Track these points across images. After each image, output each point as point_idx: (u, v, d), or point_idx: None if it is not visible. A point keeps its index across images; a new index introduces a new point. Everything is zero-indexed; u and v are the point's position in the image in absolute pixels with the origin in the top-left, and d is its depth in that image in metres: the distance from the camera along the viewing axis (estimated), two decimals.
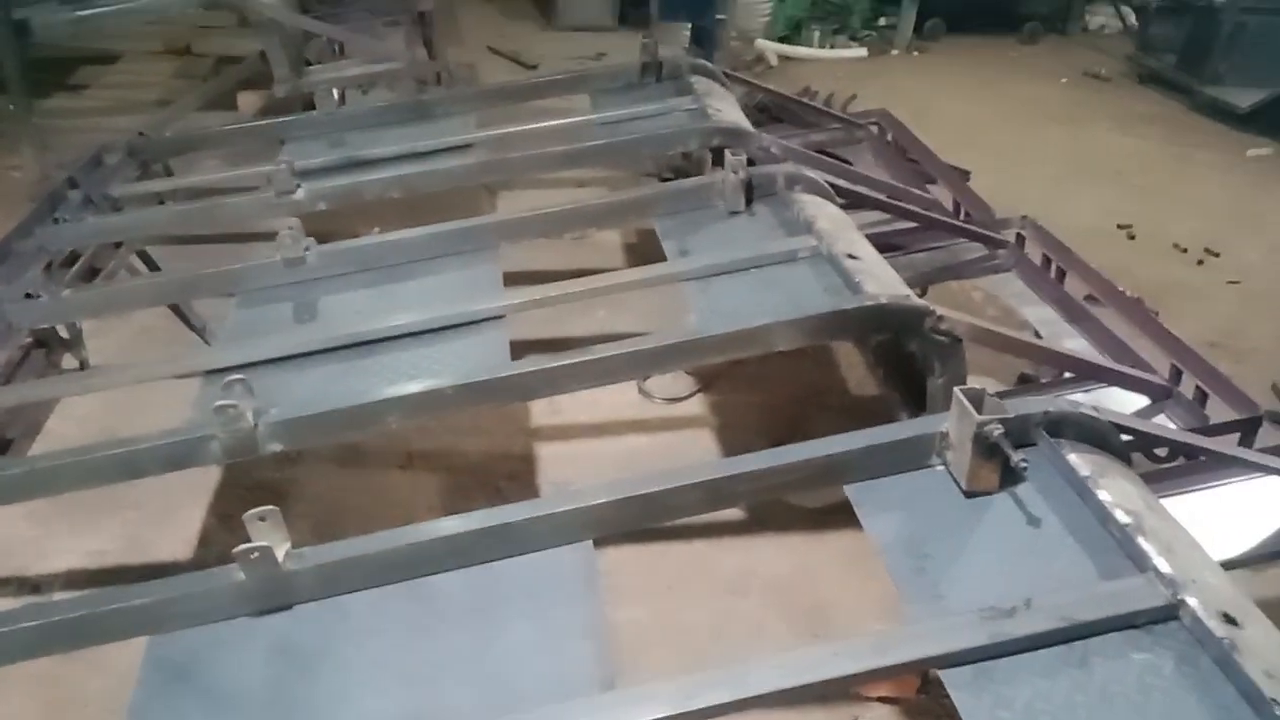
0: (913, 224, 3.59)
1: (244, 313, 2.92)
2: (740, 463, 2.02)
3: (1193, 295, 5.00)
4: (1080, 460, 1.99)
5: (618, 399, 3.66)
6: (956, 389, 1.97)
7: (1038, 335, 3.19)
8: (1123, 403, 2.82)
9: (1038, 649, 1.62)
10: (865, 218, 3.72)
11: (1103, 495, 1.89)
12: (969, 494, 1.97)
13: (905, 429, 2.06)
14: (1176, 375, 2.86)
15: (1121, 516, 1.84)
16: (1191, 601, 1.65)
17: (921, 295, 4.08)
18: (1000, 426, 1.90)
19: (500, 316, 2.70)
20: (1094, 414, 2.08)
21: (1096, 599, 1.68)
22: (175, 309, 3.64)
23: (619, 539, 3.02)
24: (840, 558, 2.92)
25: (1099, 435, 2.08)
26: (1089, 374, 2.82)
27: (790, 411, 3.71)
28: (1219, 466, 2.47)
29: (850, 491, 2.03)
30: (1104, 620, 1.64)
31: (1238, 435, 2.65)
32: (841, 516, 2.06)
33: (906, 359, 2.84)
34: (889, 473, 2.03)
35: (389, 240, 3.04)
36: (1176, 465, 2.50)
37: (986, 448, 1.91)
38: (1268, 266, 5.28)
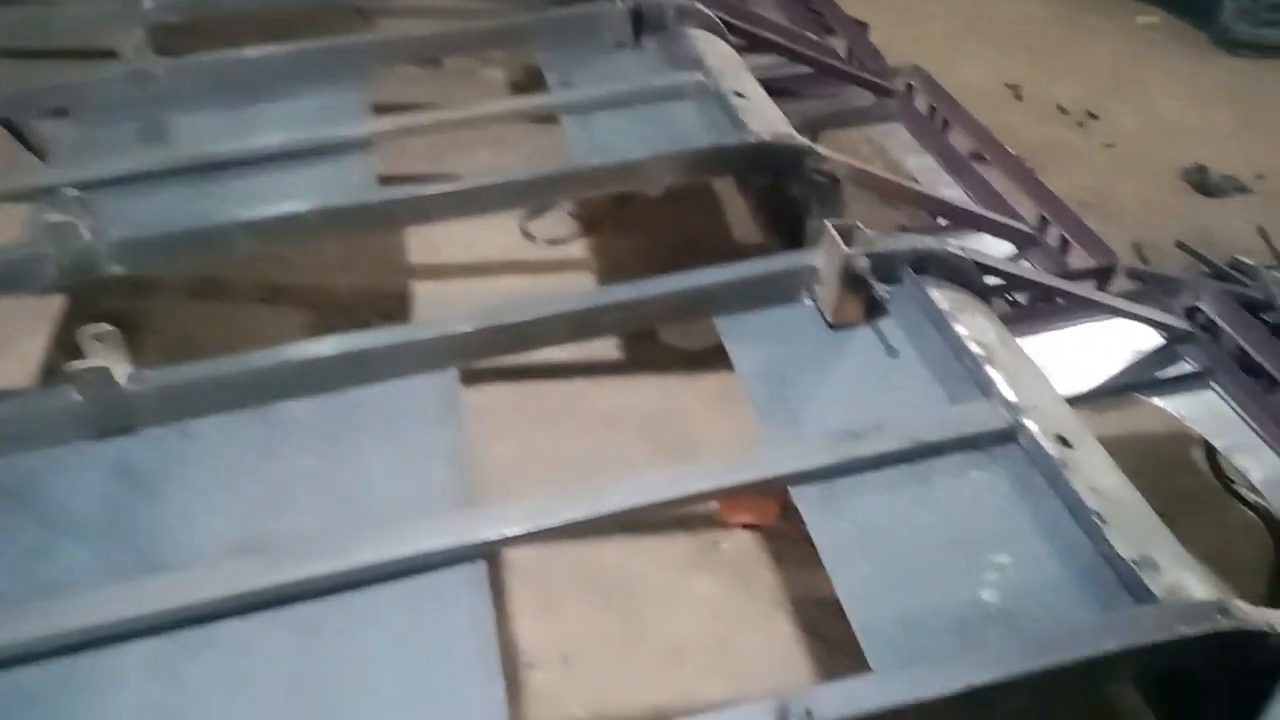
0: (806, 69, 3.52)
1: (84, 131, 2.67)
2: (609, 293, 2.00)
3: (1070, 156, 5.11)
4: (941, 296, 2.03)
5: (498, 240, 3.57)
6: (828, 221, 1.97)
7: (917, 183, 3.22)
8: (993, 249, 2.89)
9: (883, 468, 1.68)
10: (758, 61, 3.65)
11: (959, 329, 1.95)
12: (834, 326, 2.00)
13: (776, 263, 2.06)
14: (1044, 225, 2.93)
15: (974, 348, 1.90)
16: (1030, 425, 1.73)
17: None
18: (867, 260, 1.91)
19: (367, 144, 2.55)
20: (958, 253, 2.11)
21: (943, 422, 1.75)
22: (8, 126, 3.31)
23: (493, 377, 3.00)
24: (712, 396, 2.98)
25: (961, 274, 2.12)
26: (961, 220, 2.87)
27: (673, 256, 3.66)
28: (1075, 310, 2.56)
29: (720, 324, 2.03)
30: (948, 442, 1.71)
31: (1094, 281, 2.75)
32: (716, 358, 2.07)
33: (788, 203, 2.83)
34: (759, 306, 2.04)
35: (247, 57, 2.80)
36: (1036, 307, 2.59)
37: (852, 280, 1.93)
38: (1142, 132, 5.42)
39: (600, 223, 3.80)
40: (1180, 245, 4.37)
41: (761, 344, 1.97)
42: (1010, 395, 1.79)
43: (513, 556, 2.42)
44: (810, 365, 1.92)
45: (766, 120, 2.62)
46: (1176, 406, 2.39)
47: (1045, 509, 1.62)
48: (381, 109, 2.75)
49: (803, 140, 2.49)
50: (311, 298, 3.18)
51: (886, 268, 2.04)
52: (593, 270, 3.53)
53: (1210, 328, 2.53)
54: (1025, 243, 2.88)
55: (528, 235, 3.66)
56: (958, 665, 1.29)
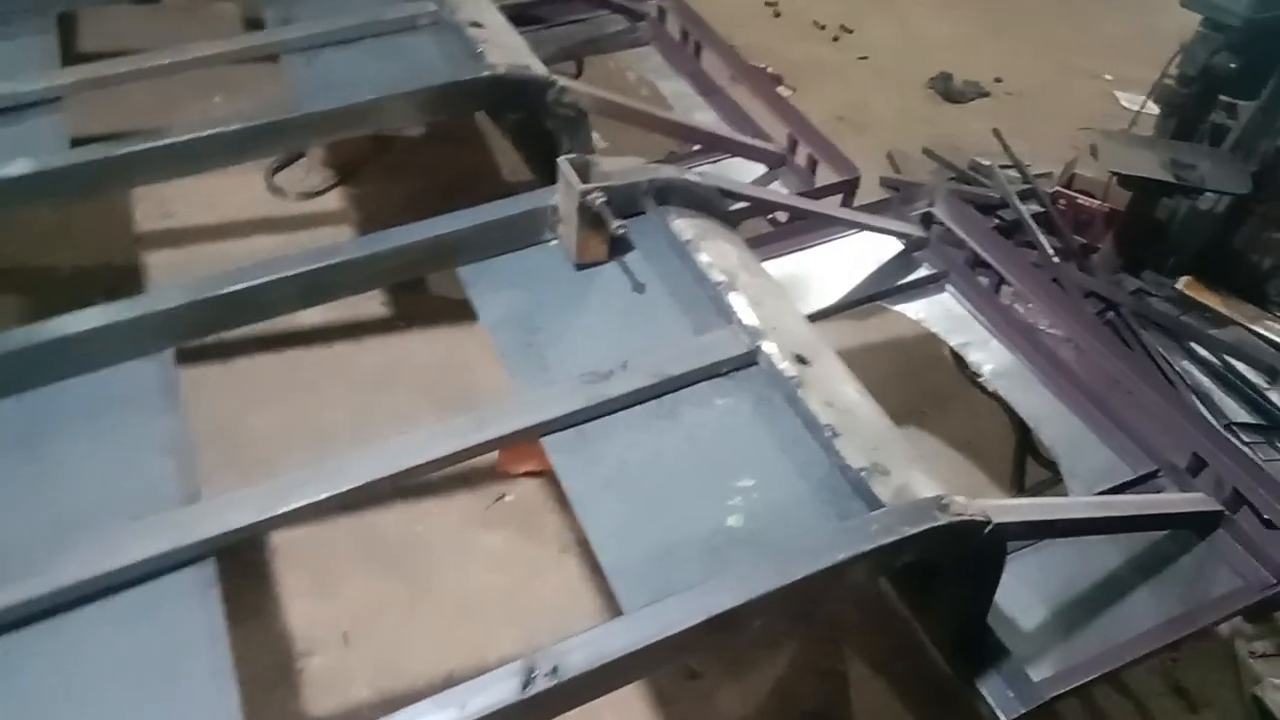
0: None
1: None
2: (338, 250, 1.86)
3: (827, 71, 5.29)
4: (685, 225, 2.03)
5: (241, 197, 3.30)
6: (561, 159, 1.91)
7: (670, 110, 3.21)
8: (746, 171, 2.93)
9: (632, 406, 1.68)
10: None
11: (702, 257, 1.96)
12: (580, 266, 1.96)
13: (516, 204, 1.98)
14: (793, 144, 3.00)
15: (717, 275, 1.91)
16: (768, 347, 1.76)
17: (578, 75, 3.99)
18: (603, 195, 1.87)
19: (56, 99, 2.26)
20: (699, 181, 2.11)
21: (687, 353, 1.76)
22: None
23: (251, 347, 2.80)
24: (490, 343, 2.90)
25: (704, 201, 2.13)
26: (712, 145, 2.88)
27: (444, 200, 3.52)
28: (824, 226, 2.65)
29: (462, 274, 1.95)
30: (692, 372, 1.73)
31: (840, 196, 2.85)
32: None
33: (543, 138, 2.75)
34: (502, 250, 1.97)
35: None
36: (787, 226, 2.65)
37: (590, 218, 1.89)
38: (893, 43, 5.67)
39: (360, 169, 3.59)
40: (926, 151, 4.65)
41: (507, 291, 1.91)
42: (751, 319, 1.82)
43: (282, 538, 2.29)
44: (558, 309, 1.87)
45: (506, 51, 2.51)
46: (918, 310, 2.53)
47: (785, 428, 1.67)
48: (86, 57, 2.44)
49: (542, 72, 2.40)
50: (24, 278, 2.82)
51: (628, 201, 2.02)
52: (352, 222, 3.33)
53: (944, 231, 2.69)
54: (776, 163, 2.93)
55: (275, 189, 3.40)
56: (699, 596, 1.31)
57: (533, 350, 1.80)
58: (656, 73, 3.35)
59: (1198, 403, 3.40)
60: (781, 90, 5.09)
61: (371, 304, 2.84)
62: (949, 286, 2.57)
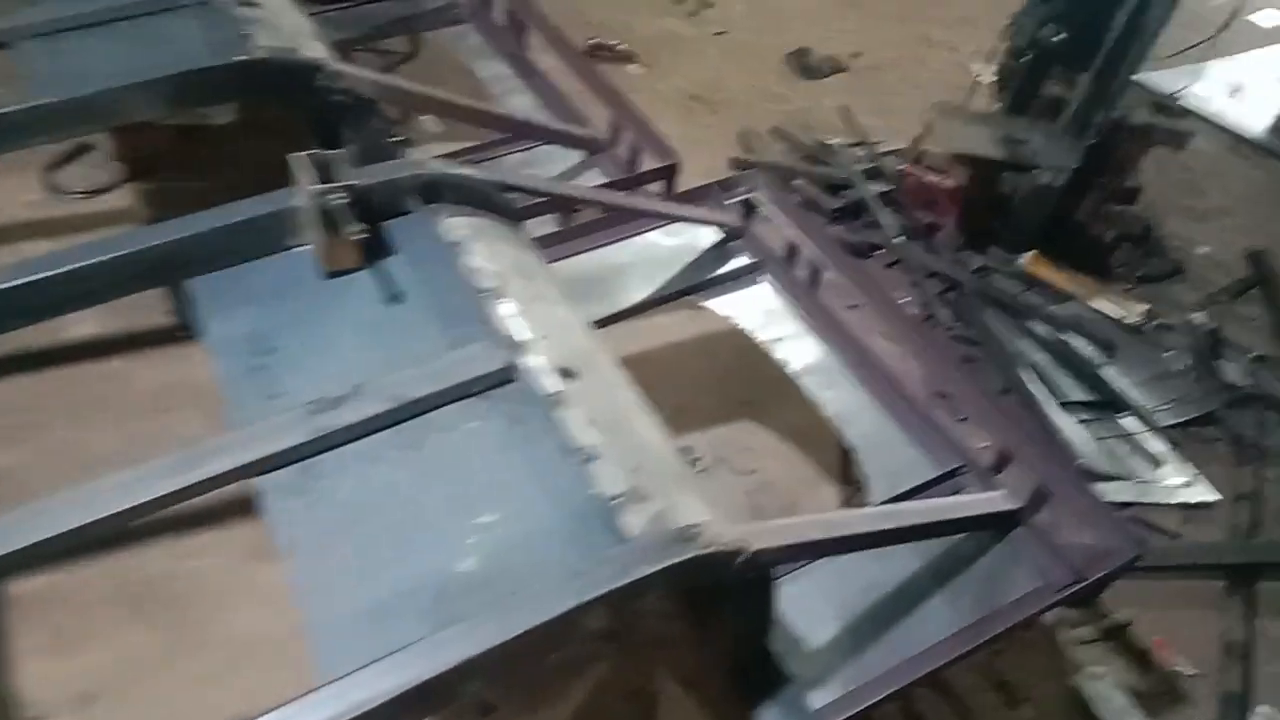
0: None
1: None
2: (39, 265, 1.64)
3: (683, 47, 5.14)
4: (456, 225, 1.86)
5: (15, 197, 2.98)
6: (292, 156, 1.72)
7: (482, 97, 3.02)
8: (562, 159, 2.78)
9: (367, 435, 1.51)
10: None
11: (470, 260, 1.79)
12: (331, 274, 1.78)
13: (255, 206, 1.78)
14: (616, 130, 2.85)
15: (484, 281, 1.75)
16: (531, 360, 1.62)
17: (407, 59, 3.74)
18: (343, 195, 1.69)
19: None
20: (472, 175, 1.94)
21: (435, 372, 1.59)
22: None
23: (10, 367, 2.52)
24: None
25: (480, 197, 1.96)
26: (522, 133, 2.72)
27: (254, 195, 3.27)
28: (639, 217, 2.52)
29: (194, 287, 1.74)
30: (439, 394, 1.57)
31: (663, 182, 2.71)
32: None
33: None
34: (244, 258, 1.77)
35: None
36: (601, 218, 2.50)
37: (332, 221, 1.71)
38: (752, 17, 5.55)
39: (157, 162, 3.29)
40: (774, 131, 4.56)
41: (244, 307, 1.71)
42: (514, 330, 1.67)
43: (21, 589, 2.03)
44: (301, 324, 1.69)
45: (278, 33, 2.30)
46: (729, 304, 2.42)
47: (539, 453, 1.53)
48: None
49: (309, 55, 2.19)
50: None
51: (389, 200, 1.85)
52: (142, 222, 3.05)
53: (764, 218, 2.58)
54: (594, 149, 2.78)
55: (55, 189, 3.09)
56: (396, 663, 1.16)
57: (262, 374, 1.61)
58: (473, 54, 3.15)
59: (1035, 382, 3.40)
60: (632, 69, 4.94)
61: (152, 314, 2.58)
62: (765, 277, 2.47)
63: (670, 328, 2.91)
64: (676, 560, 1.31)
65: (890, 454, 2.11)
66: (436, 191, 1.89)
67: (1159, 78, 5.01)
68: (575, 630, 1.28)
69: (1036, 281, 3.96)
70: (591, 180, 2.71)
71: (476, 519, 1.44)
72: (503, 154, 2.75)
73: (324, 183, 1.69)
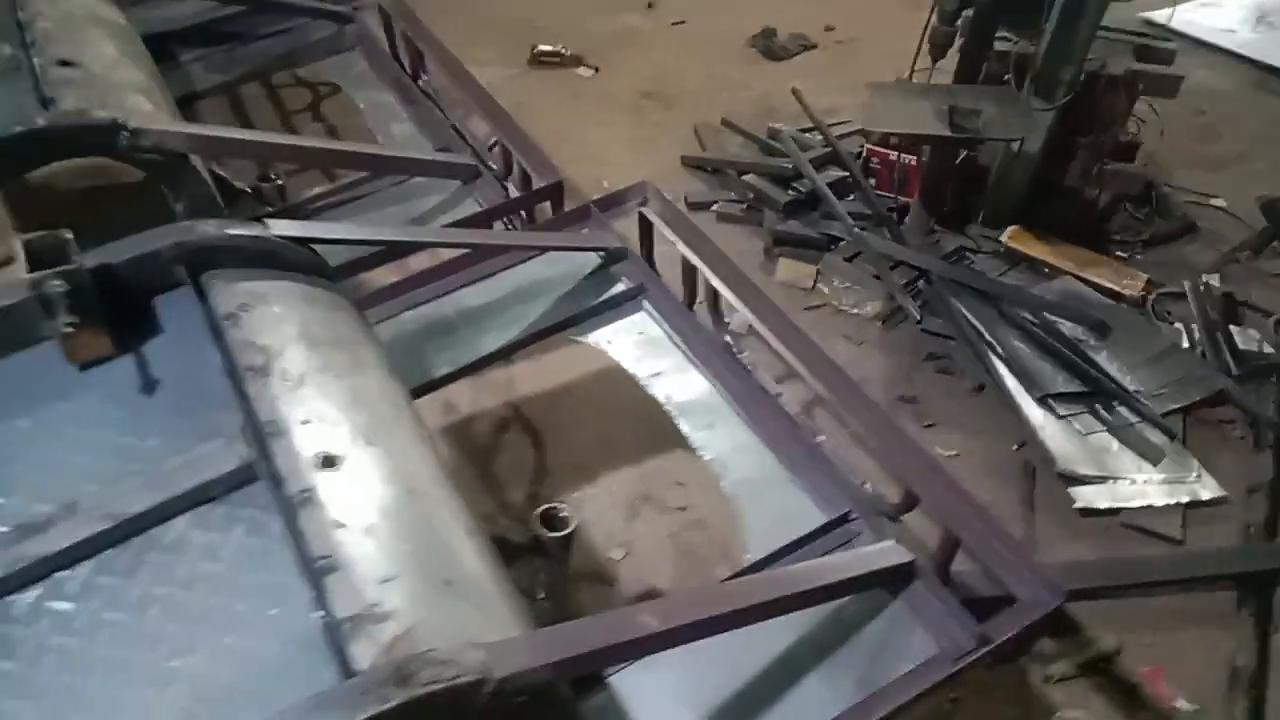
0: (242, 7, 3.01)
1: None
2: None
3: (637, 42, 4.88)
4: (234, 293, 1.65)
5: None
6: (19, 237, 1.53)
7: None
8: (442, 188, 2.55)
9: (76, 564, 1.30)
10: (183, 10, 3.08)
11: (239, 335, 1.58)
12: (84, 366, 1.58)
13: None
14: (507, 153, 2.60)
15: (251, 358, 1.53)
16: (281, 454, 1.39)
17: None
18: (60, 283, 1.48)
19: None
20: (253, 234, 1.72)
21: (162, 479, 1.38)
22: None
23: None
24: None
25: (271, 258, 1.75)
26: (387, 168, 2.50)
27: None
28: (510, 250, 2.28)
29: None
30: (165, 505, 1.35)
31: (549, 202, 2.46)
32: None
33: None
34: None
35: None
36: (462, 256, 2.26)
37: (66, 309, 1.50)
38: (712, 2, 5.25)
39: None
40: (724, 122, 4.26)
41: None
42: (272, 416, 1.44)
43: None
44: (25, 429, 1.49)
45: (96, 93, 2.12)
46: (604, 337, 2.16)
47: (274, 567, 1.30)
48: None
49: (102, 116, 2.00)
50: None
51: (153, 274, 1.64)
52: None
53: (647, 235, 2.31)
54: (470, 175, 2.55)
55: None
56: None
57: None
58: (358, 82, 2.94)
59: (1009, 381, 3.06)
60: (583, 71, 4.70)
61: None
62: (645, 303, 2.20)
63: (598, 353, 2.67)
64: (378, 709, 1.07)
65: (774, 501, 1.83)
66: (211, 258, 1.67)
67: (1161, 15, 4.58)
68: None
69: (1021, 258, 3.61)
70: (469, 209, 2.48)
71: (184, 659, 1.22)
72: (370, 191, 2.53)
73: (53, 265, 1.49)
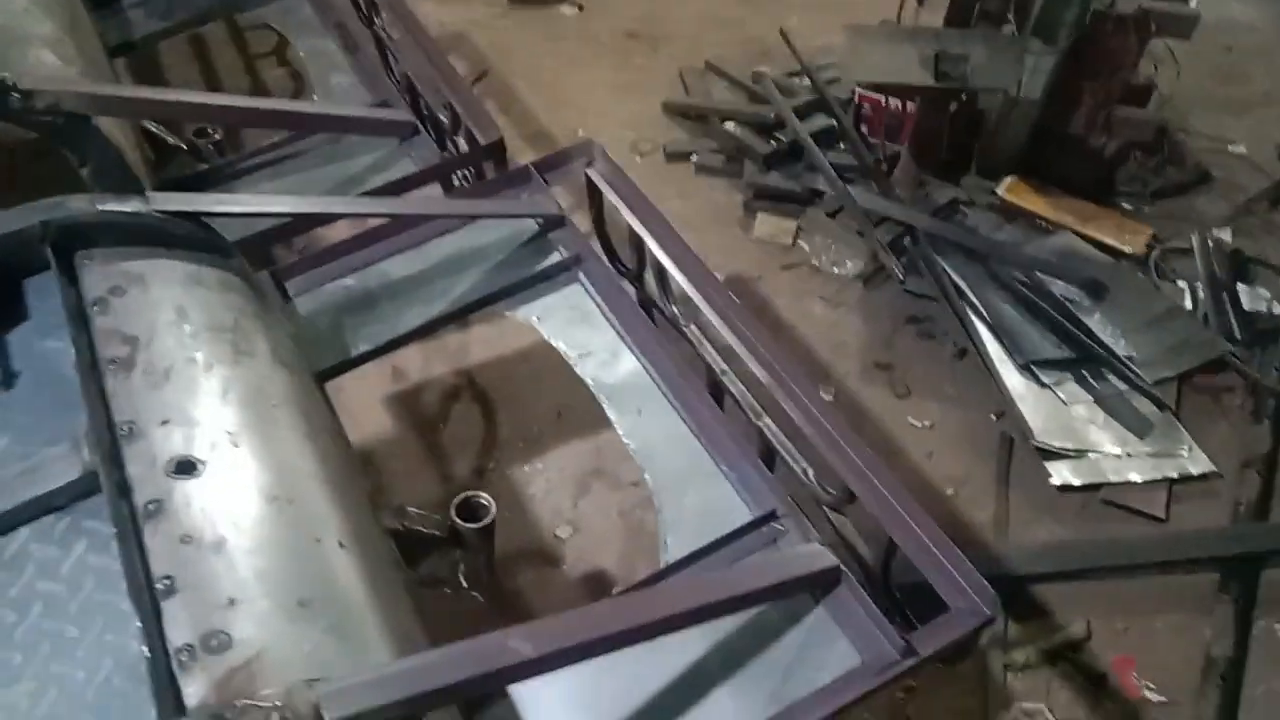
0: None
1: None
2: None
3: None
4: (107, 275, 1.54)
5: None
6: None
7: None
8: (374, 147, 2.40)
9: None
10: None
11: (105, 322, 1.47)
12: None
13: None
14: (449, 108, 2.44)
15: (113, 349, 1.43)
16: (133, 460, 1.29)
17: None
18: None
19: None
20: (128, 211, 1.60)
21: (9, 482, 1.29)
22: None
23: None
24: None
25: (155, 235, 1.63)
26: (318, 125, 2.35)
27: None
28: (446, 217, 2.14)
29: None
30: (13, 511, 1.27)
31: (491, 161, 2.31)
32: None
33: None
34: None
35: None
36: (388, 224, 2.12)
37: None
38: None
39: None
40: (709, 65, 4.04)
41: None
42: (127, 415, 1.34)
43: None
44: None
45: None
46: (535, 311, 2.02)
47: (114, 587, 1.21)
48: None
49: None
50: None
51: (19, 253, 1.53)
52: None
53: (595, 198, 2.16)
54: (407, 132, 2.40)
55: None
56: None
57: None
58: (301, 29, 2.77)
59: (991, 346, 2.89)
60: (566, 9, 4.47)
61: None
62: (580, 275, 2.06)
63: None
64: None
65: (698, 496, 1.71)
66: (86, 236, 1.56)
67: None
68: None
69: (1017, 212, 3.40)
70: (405, 169, 2.34)
71: (8, 689, 1.14)
72: (306, 149, 2.39)
73: None
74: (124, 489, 1.27)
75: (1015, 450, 2.68)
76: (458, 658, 1.20)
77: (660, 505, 1.69)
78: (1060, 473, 2.60)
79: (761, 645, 1.51)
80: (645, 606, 1.43)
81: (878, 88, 3.20)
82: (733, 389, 1.87)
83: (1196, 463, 2.64)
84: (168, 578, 1.18)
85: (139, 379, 1.40)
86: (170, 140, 2.68)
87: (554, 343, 1.95)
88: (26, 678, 1.15)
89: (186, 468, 1.30)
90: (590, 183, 2.16)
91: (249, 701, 1.04)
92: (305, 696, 1.06)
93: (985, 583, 1.51)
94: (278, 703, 1.04)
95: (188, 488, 1.28)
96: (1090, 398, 2.77)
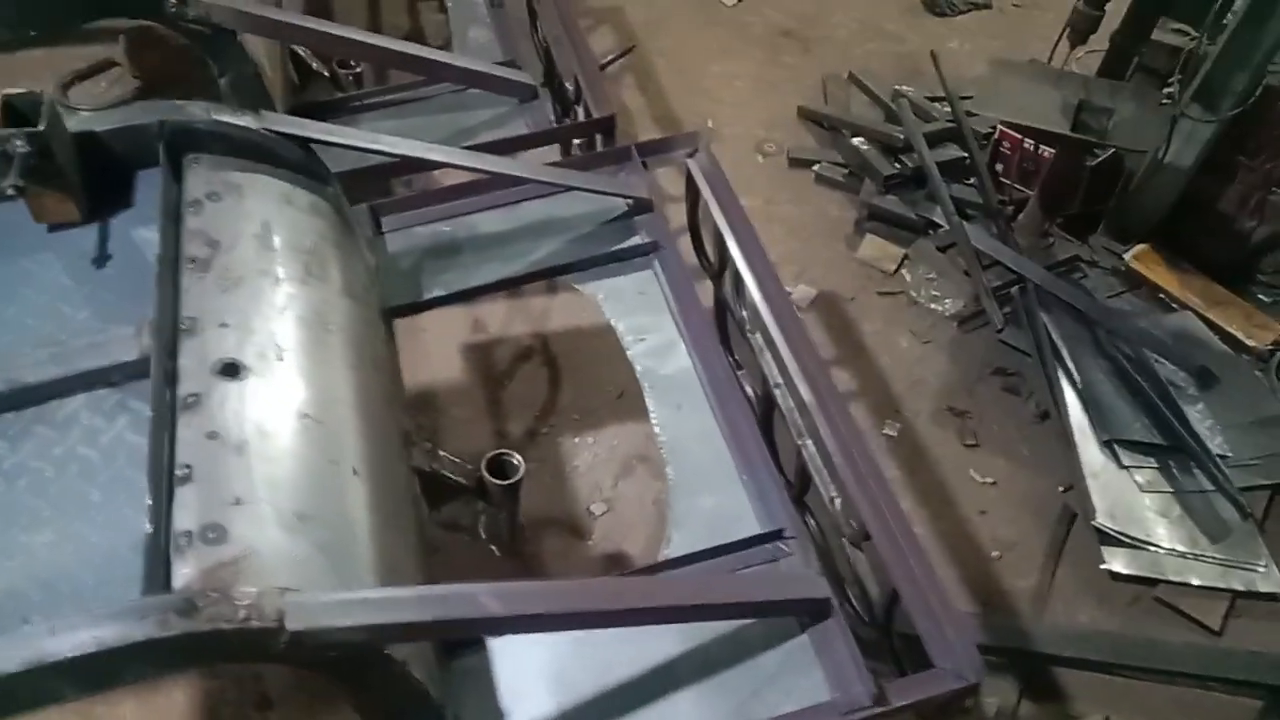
0: None
1: None
2: None
3: None
4: (207, 180, 1.65)
5: None
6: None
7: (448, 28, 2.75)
8: (495, 103, 2.47)
9: None
10: None
11: (196, 222, 1.58)
12: (52, 228, 1.62)
13: None
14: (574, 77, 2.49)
15: (195, 249, 1.54)
16: (186, 352, 1.40)
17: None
18: (25, 144, 1.51)
19: None
20: (236, 122, 1.71)
21: (64, 356, 1.41)
22: None
23: None
24: None
25: (259, 150, 1.74)
26: (445, 76, 2.43)
27: None
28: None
29: None
30: (61, 381, 1.39)
31: (599, 134, 2.35)
32: None
33: None
34: None
35: None
36: (486, 180, 2.19)
37: (30, 170, 1.54)
38: None
39: (170, 78, 3.28)
40: (851, 76, 3.96)
41: None
42: (189, 311, 1.44)
43: None
44: None
45: None
46: (603, 289, 2.05)
47: (141, 465, 1.31)
48: None
49: None
50: None
51: (134, 148, 1.66)
52: None
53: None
54: (527, 96, 2.46)
55: (65, 105, 3.14)
56: None
57: None
58: None
59: (1075, 414, 2.76)
60: None
61: None
62: (656, 263, 2.08)
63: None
64: (157, 635, 1.06)
65: (714, 499, 1.72)
66: (197, 141, 1.67)
67: None
68: (32, 693, 1.07)
69: (1142, 282, 3.24)
70: (517, 130, 2.41)
71: (33, 536, 1.26)
72: (432, 94, 2.49)
73: (29, 125, 1.52)
74: (171, 378, 1.37)
75: (1075, 527, 2.58)
76: (428, 600, 1.26)
77: (674, 500, 1.71)
78: (1115, 559, 2.48)
79: (738, 659, 1.52)
80: (627, 593, 1.46)
81: (1017, 128, 3.09)
82: (782, 405, 1.87)
83: (1270, 580, 2.47)
84: (187, 466, 1.27)
85: (211, 280, 1.50)
86: (315, 66, 2.83)
87: (613, 322, 1.98)
88: (49, 529, 1.27)
89: (231, 370, 1.40)
90: (689, 174, 2.17)
91: (222, 594, 1.12)
92: (274, 602, 1.14)
93: (976, 648, 1.48)
94: (247, 602, 1.12)
95: (227, 388, 1.37)
96: (1170, 489, 2.62)
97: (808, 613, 1.54)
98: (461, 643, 1.50)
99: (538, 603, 1.33)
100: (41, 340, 1.44)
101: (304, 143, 1.79)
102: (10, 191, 1.48)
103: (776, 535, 1.65)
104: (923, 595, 1.52)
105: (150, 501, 1.22)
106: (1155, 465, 2.67)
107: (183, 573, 1.18)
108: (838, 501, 1.74)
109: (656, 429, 1.81)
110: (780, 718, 1.44)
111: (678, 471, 1.77)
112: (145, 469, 1.28)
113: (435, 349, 2.79)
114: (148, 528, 1.20)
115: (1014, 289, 3.13)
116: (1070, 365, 2.87)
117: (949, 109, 3.56)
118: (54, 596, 1.21)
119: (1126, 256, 3.25)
